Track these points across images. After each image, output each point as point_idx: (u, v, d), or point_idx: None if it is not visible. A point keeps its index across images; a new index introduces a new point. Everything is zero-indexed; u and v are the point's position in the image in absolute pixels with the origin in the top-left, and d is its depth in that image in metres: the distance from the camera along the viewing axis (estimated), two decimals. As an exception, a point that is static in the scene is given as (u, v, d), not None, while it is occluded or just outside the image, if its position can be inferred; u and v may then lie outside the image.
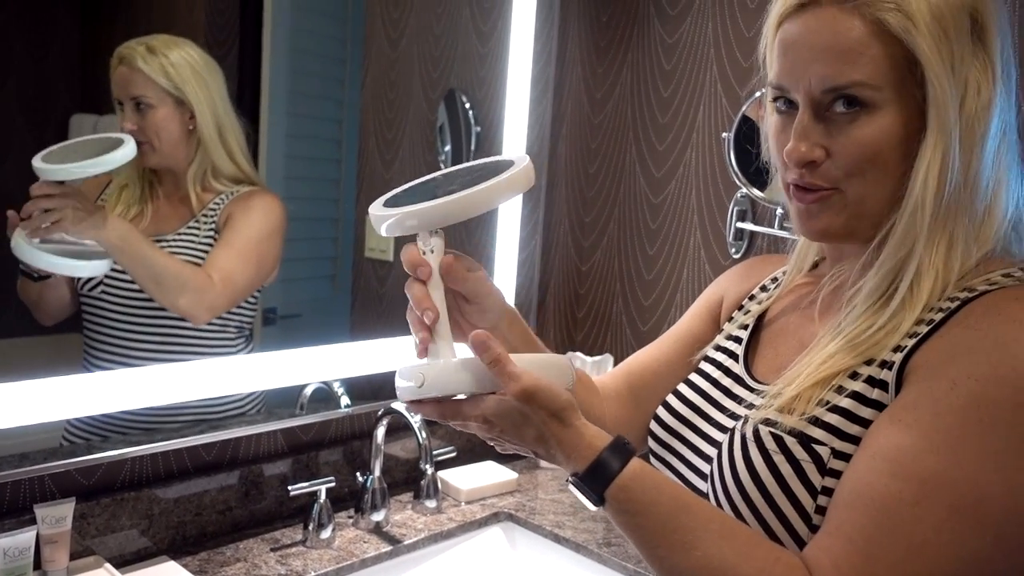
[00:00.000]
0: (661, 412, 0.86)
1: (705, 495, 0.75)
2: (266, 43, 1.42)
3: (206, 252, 1.29)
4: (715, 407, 0.81)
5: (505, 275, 1.72)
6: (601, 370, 1.73)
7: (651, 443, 0.86)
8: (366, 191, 1.67)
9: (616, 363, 1.78)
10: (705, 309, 0.95)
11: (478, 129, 1.72)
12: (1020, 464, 0.58)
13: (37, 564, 1.06)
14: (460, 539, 1.43)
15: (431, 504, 1.44)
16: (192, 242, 1.29)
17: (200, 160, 1.29)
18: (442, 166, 1.72)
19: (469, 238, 1.73)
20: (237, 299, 1.33)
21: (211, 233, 1.29)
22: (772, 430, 0.69)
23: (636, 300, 1.78)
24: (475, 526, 1.45)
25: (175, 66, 1.25)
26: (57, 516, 1.07)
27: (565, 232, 1.85)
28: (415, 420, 1.34)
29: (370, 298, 1.70)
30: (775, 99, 0.73)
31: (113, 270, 1.22)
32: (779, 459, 0.68)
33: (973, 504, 0.58)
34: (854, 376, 0.68)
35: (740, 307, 0.90)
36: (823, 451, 0.66)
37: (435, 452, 1.43)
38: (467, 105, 1.71)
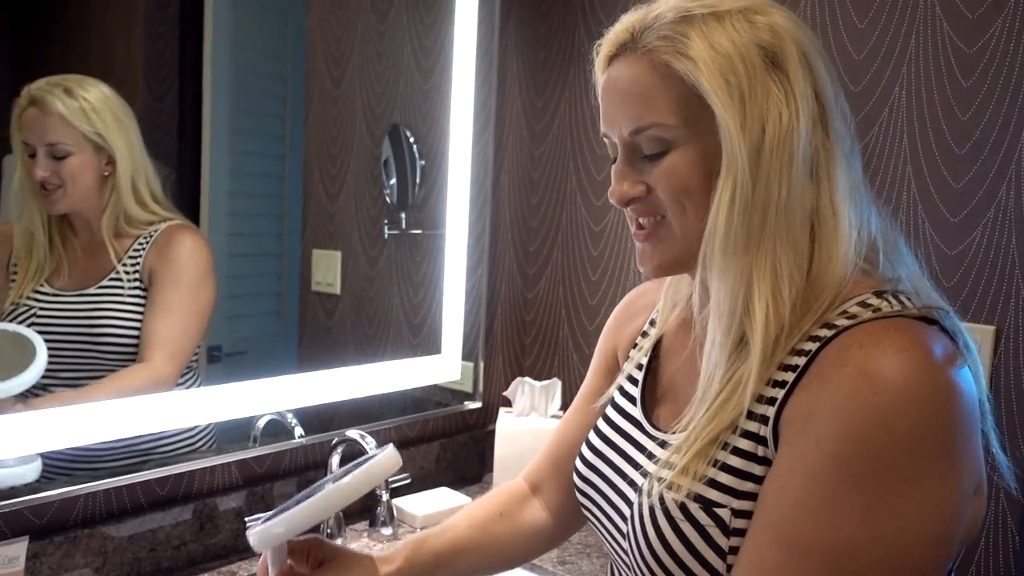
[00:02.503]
0: (579, 464, 0.88)
1: (628, 552, 0.78)
2: (206, 81, 1.43)
3: (134, 308, 1.25)
4: (622, 456, 0.83)
5: (453, 303, 1.75)
6: (550, 394, 1.77)
7: (578, 496, 0.88)
8: (311, 225, 1.69)
9: (564, 387, 1.82)
10: (604, 365, 0.97)
11: (423, 163, 1.76)
12: (884, 515, 0.61)
13: (-11, 606, 1.04)
14: (417, 565, 1.43)
15: (387, 532, 1.45)
16: (118, 298, 1.24)
17: (113, 207, 1.23)
18: (387, 199, 1.75)
19: (416, 269, 1.76)
20: (187, 362, 1.31)
21: (136, 287, 1.25)
22: (675, 497, 0.71)
23: (581, 325, 1.83)
24: (432, 551, 1.46)
25: (96, 111, 1.20)
26: (10, 556, 1.05)
27: (510, 260, 1.90)
28: (371, 447, 1.36)
29: (318, 331, 1.71)
30: (610, 148, 0.78)
31: (48, 323, 1.20)
32: (686, 527, 0.70)
33: (848, 560, 0.62)
34: (726, 444, 0.70)
35: (635, 346, 0.91)
36: (724, 513, 0.69)
37: (389, 479, 1.44)
38: (411, 139, 1.75)
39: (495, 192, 1.84)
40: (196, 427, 1.35)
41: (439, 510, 1.56)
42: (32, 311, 1.19)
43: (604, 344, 0.98)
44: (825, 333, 0.68)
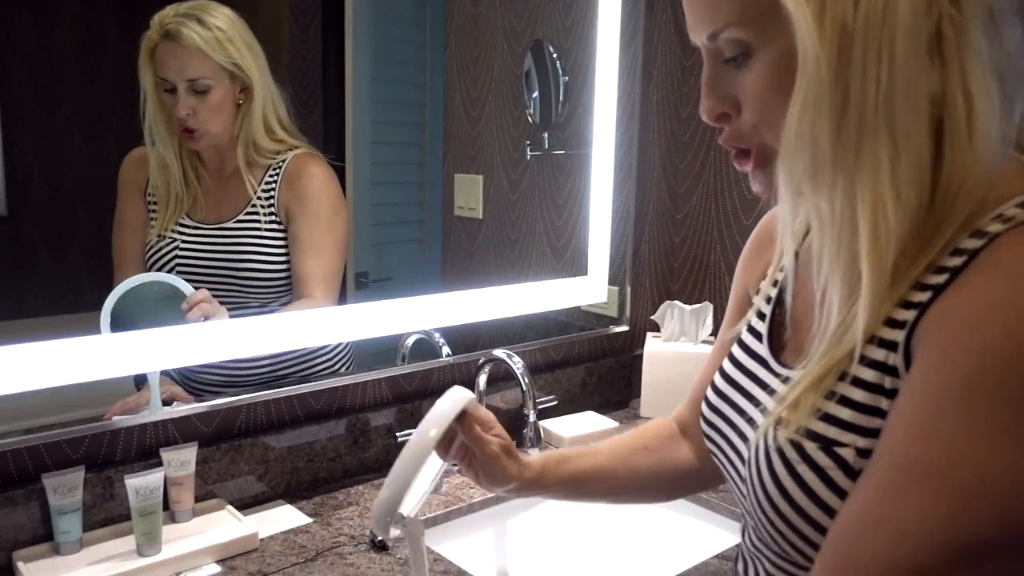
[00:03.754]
0: (704, 409, 0.82)
1: (746, 497, 0.71)
2: (348, 11, 1.43)
3: (273, 243, 1.26)
4: (744, 396, 0.76)
5: (599, 225, 1.69)
6: (701, 318, 1.69)
7: (705, 442, 0.82)
8: (453, 149, 1.67)
9: (716, 311, 1.73)
10: (737, 311, 0.89)
11: (566, 79, 1.70)
12: (1017, 439, 0.51)
13: (165, 506, 1.10)
14: (565, 486, 1.42)
15: (534, 452, 1.44)
16: (256, 231, 1.25)
17: (244, 137, 1.22)
18: (529, 119, 1.70)
19: (559, 190, 1.71)
20: (339, 287, 1.35)
21: (273, 221, 1.26)
22: (791, 437, 0.63)
23: (735, 246, 1.72)
24: (579, 473, 1.44)
25: (230, 39, 1.16)
26: (182, 459, 1.11)
27: (658, 179, 1.81)
28: (518, 367, 1.34)
29: (460, 257, 1.70)
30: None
31: (191, 254, 1.23)
32: (802, 469, 0.63)
33: (969, 488, 0.52)
34: (847, 375, 0.62)
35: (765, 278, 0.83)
36: (846, 453, 0.61)
37: (537, 400, 1.42)
38: (554, 55, 1.69)
39: (643, 107, 1.75)
40: (336, 348, 1.38)
41: (586, 432, 1.53)
42: (175, 243, 1.23)
43: (736, 283, 0.90)
44: (975, 244, 0.56)
